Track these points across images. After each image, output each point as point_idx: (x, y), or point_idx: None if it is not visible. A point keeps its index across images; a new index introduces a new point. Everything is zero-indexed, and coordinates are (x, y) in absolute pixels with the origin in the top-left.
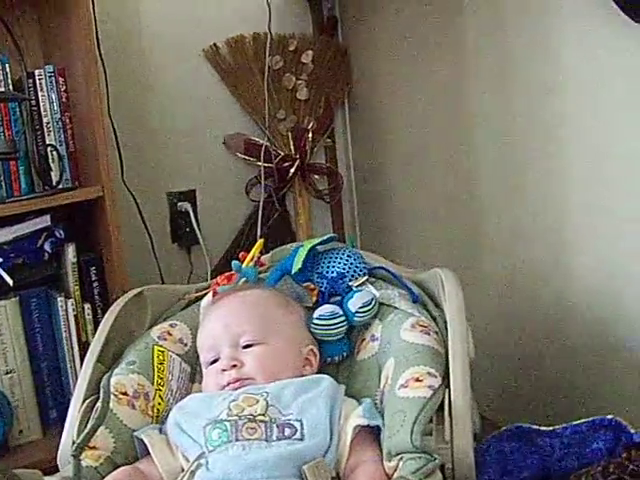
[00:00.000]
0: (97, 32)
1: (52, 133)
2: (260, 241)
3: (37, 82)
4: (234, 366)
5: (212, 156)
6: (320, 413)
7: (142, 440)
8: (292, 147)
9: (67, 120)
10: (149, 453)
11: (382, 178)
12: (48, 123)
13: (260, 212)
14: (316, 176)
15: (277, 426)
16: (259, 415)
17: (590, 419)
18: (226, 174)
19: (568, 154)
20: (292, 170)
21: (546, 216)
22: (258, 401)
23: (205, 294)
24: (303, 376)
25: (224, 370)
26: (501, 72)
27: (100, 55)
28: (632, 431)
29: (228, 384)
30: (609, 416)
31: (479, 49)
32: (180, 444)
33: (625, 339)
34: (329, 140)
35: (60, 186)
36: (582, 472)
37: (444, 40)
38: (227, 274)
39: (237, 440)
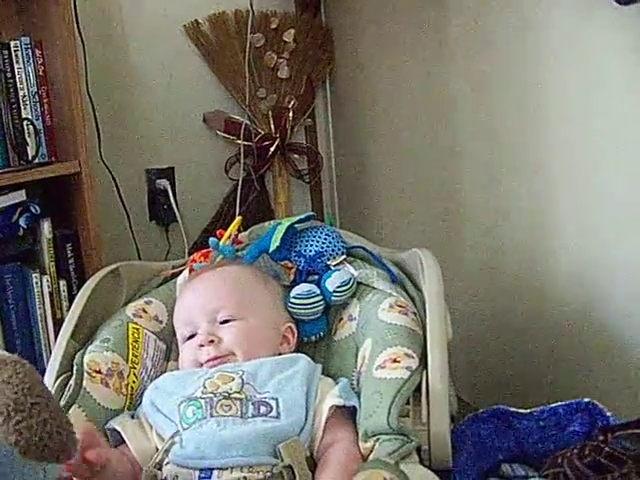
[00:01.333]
0: (75, 5)
1: (28, 106)
2: (238, 219)
3: (13, 53)
4: (211, 342)
5: (191, 134)
6: (296, 392)
7: (114, 430)
8: (272, 126)
9: (44, 94)
10: (122, 440)
11: (362, 158)
12: (24, 96)
13: (239, 191)
14: (296, 155)
15: (252, 404)
16: (234, 393)
17: (567, 402)
18: (205, 152)
19: (552, 135)
20: (272, 149)
21: (529, 198)
22: (234, 379)
23: (181, 271)
24: (280, 354)
25: (202, 346)
26: (484, 53)
27: (78, 29)
28: (608, 414)
29: (207, 362)
30: (586, 399)
31: (462, 30)
32: (155, 423)
33: (604, 324)
34: (309, 120)
35: (36, 161)
36: (558, 454)
37: (427, 21)
38: (204, 251)
39: (212, 416)
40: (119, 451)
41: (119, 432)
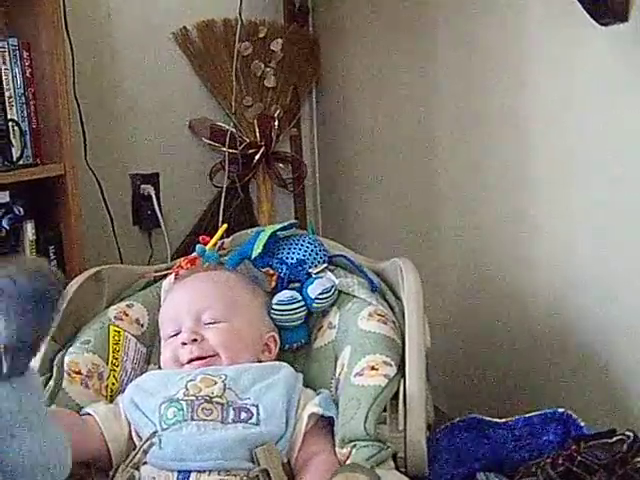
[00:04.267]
0: (64, 8)
1: (14, 108)
2: (224, 226)
3: (0, 55)
4: (194, 340)
5: (177, 140)
6: (277, 400)
7: (88, 413)
8: (258, 134)
9: (30, 95)
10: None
11: (346, 169)
12: (10, 97)
13: (223, 198)
14: (280, 164)
15: (233, 409)
16: (216, 397)
17: (542, 412)
18: (190, 159)
19: (531, 146)
20: (257, 157)
21: (507, 209)
22: (216, 383)
23: (165, 275)
24: (261, 362)
25: (184, 344)
26: (468, 69)
27: (67, 32)
28: (582, 424)
29: (189, 362)
30: (560, 409)
31: (448, 43)
32: (133, 421)
33: (579, 336)
34: (295, 129)
35: (21, 162)
36: (532, 463)
37: (413, 34)
38: (191, 257)
39: (192, 420)
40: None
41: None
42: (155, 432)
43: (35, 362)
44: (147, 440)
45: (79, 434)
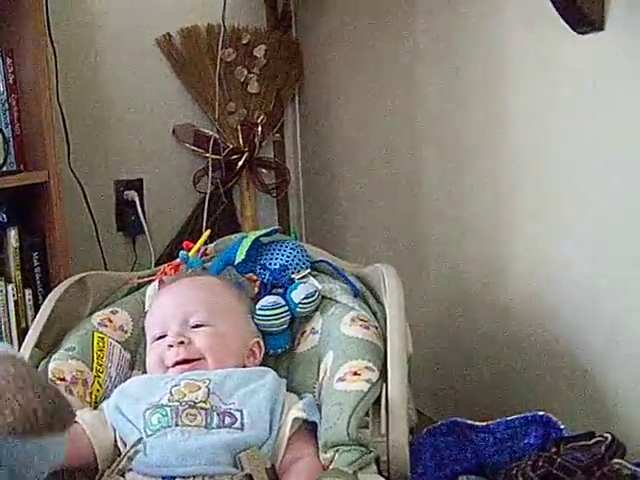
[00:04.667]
0: (48, 14)
1: None
2: (207, 232)
3: None
4: (181, 343)
5: (161, 146)
6: (261, 405)
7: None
8: (241, 140)
9: (14, 102)
10: None
11: (329, 174)
12: None
13: (206, 204)
14: (264, 170)
15: (218, 414)
16: (200, 402)
17: (522, 415)
18: (174, 164)
19: (514, 151)
20: (240, 163)
21: (489, 214)
22: (200, 388)
23: (149, 281)
24: (245, 367)
25: (170, 346)
26: (451, 75)
27: (50, 38)
28: (562, 427)
29: (175, 365)
30: (540, 412)
31: (430, 46)
32: (118, 426)
33: (559, 341)
34: (278, 135)
35: (4, 169)
36: (513, 466)
37: (396, 39)
38: (174, 264)
39: (177, 425)
40: None
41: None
42: (140, 439)
43: None
44: (132, 447)
45: (68, 442)
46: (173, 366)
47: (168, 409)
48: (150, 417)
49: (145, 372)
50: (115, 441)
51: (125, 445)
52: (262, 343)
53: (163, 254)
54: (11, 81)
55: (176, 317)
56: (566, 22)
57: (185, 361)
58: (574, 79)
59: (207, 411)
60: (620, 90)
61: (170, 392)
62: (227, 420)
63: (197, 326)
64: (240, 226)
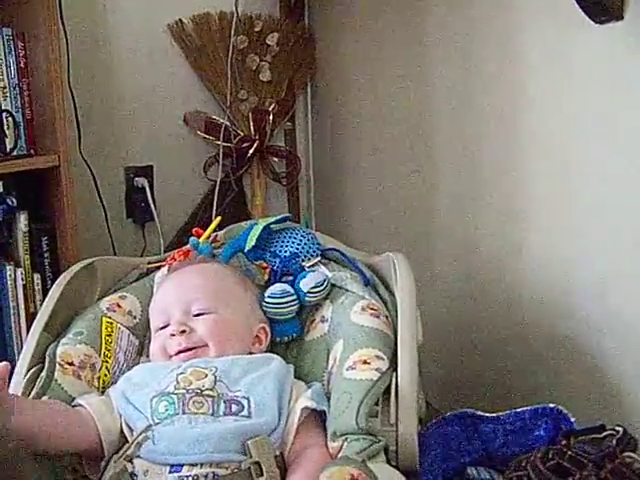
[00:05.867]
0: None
1: (8, 98)
2: (217, 218)
3: None
4: (183, 332)
5: (171, 133)
6: (268, 392)
7: (80, 405)
8: (252, 128)
9: (25, 86)
10: None
11: (340, 163)
12: (4, 88)
13: (216, 192)
14: (274, 158)
15: (224, 402)
16: (207, 390)
17: (533, 407)
18: (185, 152)
19: (525, 142)
20: (251, 151)
21: (501, 204)
22: (207, 375)
23: (157, 267)
24: (251, 354)
25: (173, 335)
26: (464, 65)
27: (62, 23)
28: (572, 420)
29: (178, 353)
30: (551, 405)
31: (443, 36)
32: (125, 414)
33: (570, 332)
34: (289, 123)
35: (14, 153)
36: (522, 458)
37: (409, 29)
38: (184, 250)
39: (184, 413)
40: (59, 409)
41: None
42: (149, 425)
43: (27, 353)
44: (141, 433)
45: (74, 426)
46: (176, 354)
47: (175, 397)
48: (157, 405)
49: None
50: (121, 428)
51: (132, 432)
52: (268, 329)
53: (172, 241)
54: (22, 65)
55: (178, 306)
56: (584, 12)
57: (187, 349)
58: (592, 70)
59: (214, 399)
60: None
61: (176, 380)
62: (234, 408)
63: (199, 314)
64: (250, 214)
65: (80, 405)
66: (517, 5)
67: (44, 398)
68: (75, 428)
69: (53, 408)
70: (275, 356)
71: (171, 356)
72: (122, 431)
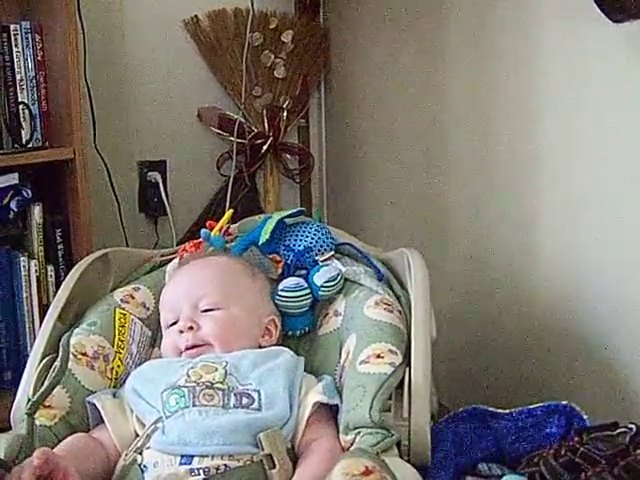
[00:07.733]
0: None
1: (25, 91)
2: (230, 211)
3: (12, 37)
4: (191, 328)
5: (185, 128)
6: (278, 385)
7: (94, 405)
8: (266, 125)
9: (41, 79)
10: (101, 419)
11: (353, 161)
12: (21, 80)
13: (230, 187)
14: (288, 155)
15: (235, 395)
16: (217, 383)
17: (545, 404)
18: (198, 147)
19: (541, 142)
20: (264, 148)
21: (514, 200)
22: (217, 369)
23: (170, 259)
24: (261, 346)
25: (181, 332)
26: (479, 62)
27: (80, 17)
28: (584, 417)
29: (186, 349)
30: (563, 402)
31: (459, 36)
32: (136, 409)
33: (583, 330)
34: (303, 120)
35: (30, 145)
36: (535, 454)
37: (424, 27)
38: (195, 242)
39: (194, 406)
40: (83, 446)
41: (99, 410)
42: (160, 418)
43: (41, 341)
44: (151, 425)
45: (98, 457)
46: (185, 351)
47: (185, 390)
48: (168, 398)
49: None
50: (135, 429)
51: (143, 426)
52: (278, 321)
53: (184, 236)
54: (40, 58)
55: (187, 301)
56: (601, 10)
57: (194, 346)
58: (608, 69)
59: (224, 392)
60: None
61: (187, 374)
62: (244, 400)
63: (207, 310)
64: (263, 210)
65: (93, 405)
66: (534, 4)
67: (57, 388)
68: (98, 460)
69: (82, 451)
70: (284, 349)
71: (181, 352)
72: (135, 431)
